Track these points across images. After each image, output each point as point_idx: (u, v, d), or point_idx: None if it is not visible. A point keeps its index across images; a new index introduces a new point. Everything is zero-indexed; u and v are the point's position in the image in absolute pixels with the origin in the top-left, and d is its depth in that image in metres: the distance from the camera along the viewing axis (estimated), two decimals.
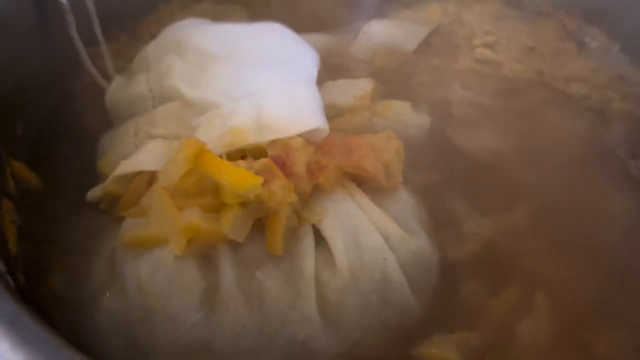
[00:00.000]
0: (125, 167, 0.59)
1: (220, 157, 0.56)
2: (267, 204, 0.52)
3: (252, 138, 0.58)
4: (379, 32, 0.82)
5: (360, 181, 0.60)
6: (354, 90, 0.72)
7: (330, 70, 0.77)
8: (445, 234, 0.63)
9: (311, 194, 0.56)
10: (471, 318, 0.57)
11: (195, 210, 0.51)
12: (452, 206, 0.67)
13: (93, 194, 0.61)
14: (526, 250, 0.63)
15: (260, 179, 0.51)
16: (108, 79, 0.74)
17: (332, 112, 0.69)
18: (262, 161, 0.54)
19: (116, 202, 0.60)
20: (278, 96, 0.62)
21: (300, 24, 0.83)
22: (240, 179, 0.50)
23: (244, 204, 0.51)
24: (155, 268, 0.51)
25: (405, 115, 0.71)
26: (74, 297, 0.56)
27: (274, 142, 0.58)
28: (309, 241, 0.54)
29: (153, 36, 0.76)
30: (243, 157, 0.58)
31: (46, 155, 0.68)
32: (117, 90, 0.71)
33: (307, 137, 0.59)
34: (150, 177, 0.58)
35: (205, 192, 0.53)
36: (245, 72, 0.66)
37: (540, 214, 0.66)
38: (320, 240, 0.55)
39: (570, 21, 0.88)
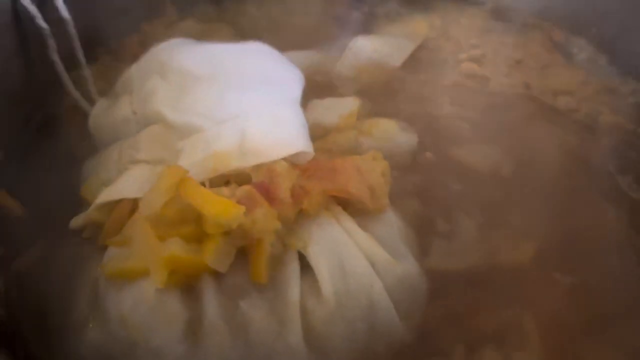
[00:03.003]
0: (107, 195, 0.58)
1: (203, 183, 0.56)
2: (250, 233, 0.51)
3: (235, 163, 0.57)
4: (365, 48, 0.81)
5: (346, 204, 0.59)
6: (340, 109, 0.71)
7: (317, 88, 0.77)
8: (432, 252, 0.63)
9: (296, 218, 0.56)
10: (458, 341, 0.56)
11: (177, 241, 0.50)
12: (440, 224, 0.66)
13: (76, 222, 0.60)
14: (514, 268, 0.62)
15: (243, 209, 0.50)
16: (91, 102, 0.73)
17: (318, 132, 0.69)
18: (245, 189, 0.53)
19: (99, 230, 0.59)
20: (262, 119, 0.61)
21: (286, 41, 0.83)
22: (222, 208, 0.50)
23: (226, 233, 0.51)
24: (137, 301, 0.50)
25: (391, 133, 0.70)
26: (57, 328, 0.55)
27: (258, 167, 0.57)
28: (294, 268, 0.53)
29: (137, 57, 0.75)
30: (227, 183, 0.58)
31: (28, 181, 0.67)
32: (100, 114, 0.70)
33: (292, 160, 0.59)
34: (133, 205, 0.58)
35: (187, 220, 0.52)
36: (229, 94, 0.65)
37: (529, 229, 0.66)
38: (305, 266, 0.54)
39: (557, 33, 0.88)
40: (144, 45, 0.79)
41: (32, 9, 0.65)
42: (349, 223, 0.57)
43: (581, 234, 0.65)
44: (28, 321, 0.57)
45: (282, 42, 0.78)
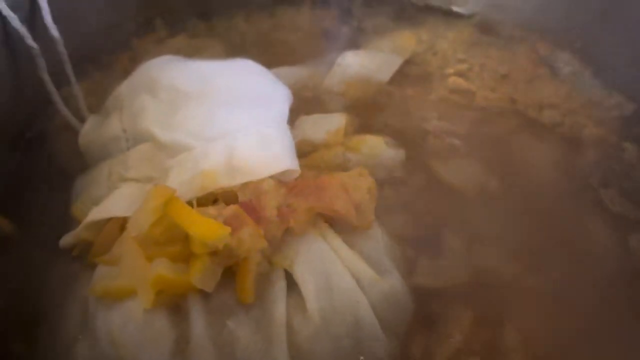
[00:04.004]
0: (96, 214, 0.59)
1: (191, 202, 0.56)
2: (236, 252, 0.52)
3: (222, 182, 0.58)
4: (353, 64, 0.82)
5: (333, 221, 0.60)
6: (328, 125, 0.72)
7: (305, 103, 0.77)
8: (419, 268, 0.63)
9: (282, 236, 0.56)
10: (443, 357, 0.57)
11: (164, 261, 0.51)
12: (426, 239, 0.67)
13: (66, 240, 0.61)
14: (499, 283, 0.63)
15: (228, 229, 0.51)
16: (81, 119, 0.74)
17: (306, 148, 0.70)
18: (231, 208, 0.54)
19: (89, 248, 0.60)
20: (249, 137, 0.62)
21: (275, 57, 0.84)
22: (209, 229, 0.50)
23: (213, 253, 0.51)
24: (126, 319, 0.51)
25: (379, 149, 0.71)
26: (47, 346, 0.56)
27: (245, 185, 0.58)
28: (280, 287, 0.54)
29: (127, 73, 0.75)
30: (215, 201, 0.58)
31: (19, 199, 0.67)
32: (90, 131, 0.71)
33: (279, 178, 0.60)
34: (122, 223, 0.58)
35: (175, 240, 0.53)
36: (217, 112, 0.66)
37: (514, 244, 0.67)
38: (292, 284, 0.55)
39: (542, 46, 0.89)
40: (135, 61, 0.80)
41: (22, 30, 0.66)
42: (335, 240, 0.58)
43: (566, 248, 0.66)
44: (18, 339, 0.57)
45: (271, 57, 0.79)
